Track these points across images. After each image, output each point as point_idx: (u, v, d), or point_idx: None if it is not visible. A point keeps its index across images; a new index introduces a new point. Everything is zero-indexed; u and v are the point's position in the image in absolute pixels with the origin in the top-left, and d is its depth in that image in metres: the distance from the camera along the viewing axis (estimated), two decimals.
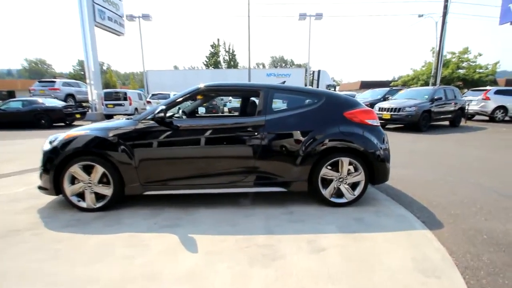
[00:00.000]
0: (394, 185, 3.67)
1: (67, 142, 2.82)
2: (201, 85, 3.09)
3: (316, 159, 2.89)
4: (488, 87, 14.00)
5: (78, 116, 12.58)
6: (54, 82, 16.84)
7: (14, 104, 11.79)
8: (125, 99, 15.58)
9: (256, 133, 2.87)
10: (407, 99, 10.28)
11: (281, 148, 2.90)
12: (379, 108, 10.02)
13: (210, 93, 3.98)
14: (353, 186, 2.99)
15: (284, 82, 3.62)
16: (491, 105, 12.28)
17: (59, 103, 12.46)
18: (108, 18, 15.64)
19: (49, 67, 73.40)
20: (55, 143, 2.86)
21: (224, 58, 44.73)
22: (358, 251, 2.14)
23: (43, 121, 11.37)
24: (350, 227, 2.53)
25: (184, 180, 2.91)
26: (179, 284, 1.77)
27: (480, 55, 25.15)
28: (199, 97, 3.89)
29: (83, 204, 2.87)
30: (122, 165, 2.79)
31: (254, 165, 2.90)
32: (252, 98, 3.83)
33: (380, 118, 9.07)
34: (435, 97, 9.81)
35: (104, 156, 2.78)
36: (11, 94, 25.37)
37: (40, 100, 12.17)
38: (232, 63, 44.28)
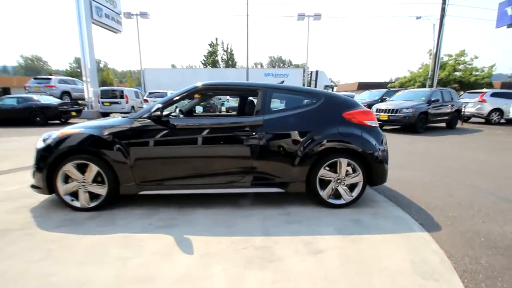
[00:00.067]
0: (392, 187, 3.65)
1: (61, 140, 2.76)
2: (199, 84, 3.05)
3: (314, 160, 2.86)
4: (484, 90, 14.10)
5: (74, 113, 12.45)
6: (49, 79, 16.69)
7: (8, 101, 11.61)
8: (121, 97, 15.46)
9: (254, 133, 2.84)
10: (404, 101, 10.31)
11: (279, 149, 2.87)
12: (377, 109, 10.04)
13: (207, 92, 3.94)
14: (351, 187, 2.96)
15: (282, 82, 3.59)
16: (487, 108, 12.37)
17: (54, 101, 12.32)
18: (105, 15, 15.50)
19: (45, 64, 72.73)
20: (48, 141, 2.80)
21: (222, 57, 44.66)
22: (356, 253, 2.11)
23: (38, 119, 11.24)
24: (348, 228, 2.50)
25: (180, 180, 2.86)
26: (174, 287, 1.73)
27: (476, 57, 25.39)
28: (196, 96, 3.84)
29: (76, 204, 2.82)
30: (117, 164, 2.74)
31: (252, 165, 2.87)
32: (250, 98, 3.79)
33: (378, 119, 9.05)
34: (432, 99, 9.86)
35: (98, 155, 2.73)
36: (6, 91, 25.08)
37: (35, 97, 12.01)
38: (230, 63, 44.21)
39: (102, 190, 2.79)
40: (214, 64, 41.80)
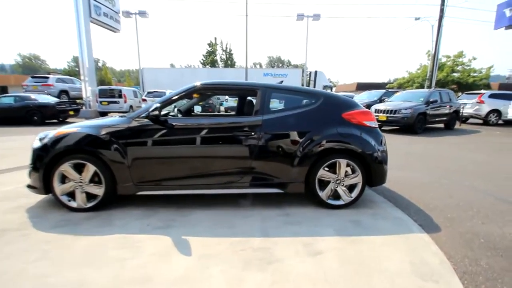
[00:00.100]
0: (391, 187, 3.65)
1: (57, 140, 2.73)
2: (197, 83, 3.02)
3: (313, 160, 2.85)
4: (482, 91, 14.15)
5: (71, 113, 12.36)
6: (47, 78, 16.58)
7: (6, 100, 11.53)
8: (120, 96, 15.39)
9: (253, 133, 2.82)
10: (403, 101, 10.33)
11: (278, 149, 2.86)
12: (375, 109, 10.04)
13: (206, 92, 3.91)
14: (350, 188, 2.95)
15: (281, 81, 3.57)
16: (485, 109, 12.41)
17: (52, 100, 12.25)
18: (104, 14, 15.44)
19: (43, 63, 72.32)
20: (45, 141, 2.77)
21: (221, 57, 44.62)
22: (355, 254, 2.10)
23: (35, 118, 11.16)
24: (347, 230, 2.49)
25: (178, 180, 2.84)
26: None
27: (474, 59, 25.51)
28: (195, 95, 3.82)
29: (73, 204, 2.79)
30: (114, 164, 2.71)
31: (251, 166, 2.85)
32: (249, 98, 3.77)
33: (376, 120, 9.08)
34: (431, 100, 9.88)
35: (95, 155, 2.70)
36: (3, 90, 24.96)
37: (32, 96, 11.95)
38: (229, 62, 44.17)
39: (99, 191, 2.76)
40: (213, 64, 41.75)
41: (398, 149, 6.59)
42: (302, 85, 24.70)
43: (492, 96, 12.73)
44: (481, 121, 12.83)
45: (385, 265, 1.97)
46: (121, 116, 2.97)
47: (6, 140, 7.33)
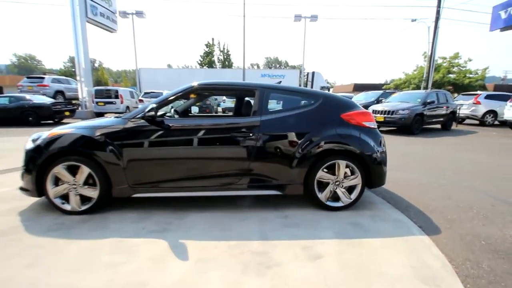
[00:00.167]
0: (389, 188, 3.62)
1: (51, 141, 2.66)
2: (195, 83, 2.97)
3: (312, 162, 2.81)
4: (478, 92, 14.25)
5: (67, 113, 12.23)
6: (43, 78, 16.40)
7: (0, 101, 11.37)
8: (116, 97, 15.28)
9: (250, 134, 2.78)
10: (400, 102, 10.35)
11: (276, 150, 2.81)
12: (373, 110, 10.04)
13: (203, 92, 3.86)
14: (350, 189, 2.92)
15: (280, 82, 3.54)
16: (481, 110, 12.49)
17: (47, 100, 12.10)
18: (101, 14, 15.31)
19: (39, 63, 71.69)
20: (38, 142, 2.71)
21: (218, 57, 44.49)
22: (355, 258, 2.06)
23: (30, 118, 11.01)
24: (346, 232, 2.45)
25: (175, 182, 2.79)
26: None
27: (470, 60, 25.69)
28: (192, 96, 3.77)
29: (67, 207, 2.72)
30: (109, 166, 2.65)
31: (248, 167, 2.80)
32: (247, 98, 3.73)
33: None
34: (428, 101, 9.91)
35: (90, 156, 2.64)
36: None
37: (28, 96, 11.79)
38: (226, 63, 44.07)
39: (93, 193, 2.70)
40: (211, 64, 41.61)
41: (395, 149, 6.58)
42: (300, 86, 24.71)
43: (488, 97, 12.82)
44: (477, 122, 12.91)
45: (385, 268, 1.93)
46: (117, 117, 2.91)
47: (1, 141, 7.21)
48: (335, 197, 2.91)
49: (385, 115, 9.57)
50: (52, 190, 2.69)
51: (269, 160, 2.83)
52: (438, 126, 11.12)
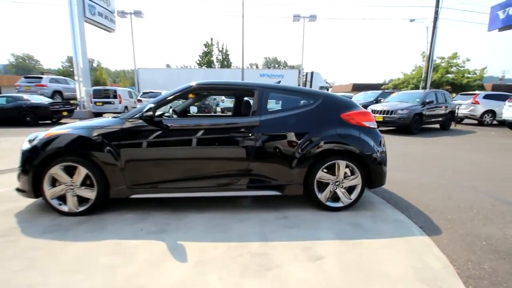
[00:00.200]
0: (389, 188, 3.60)
1: (48, 141, 2.63)
2: (193, 83, 2.95)
3: (312, 162, 2.79)
4: (477, 92, 14.28)
5: (65, 113, 12.16)
6: (40, 78, 16.32)
7: None
8: (114, 97, 15.20)
9: (250, 134, 2.75)
10: (399, 102, 10.35)
11: (276, 150, 2.79)
12: (372, 110, 10.04)
13: (202, 92, 3.83)
14: (350, 189, 2.90)
15: (279, 82, 3.51)
16: (480, 109, 12.51)
17: (45, 100, 12.04)
18: (99, 13, 15.25)
19: (37, 63, 71.38)
20: (34, 142, 2.67)
21: (217, 57, 44.45)
22: (356, 259, 2.04)
23: (28, 118, 10.95)
24: (347, 233, 2.43)
25: (173, 183, 2.76)
26: None
27: (468, 60, 25.79)
28: (190, 95, 3.74)
29: (64, 208, 2.69)
30: (106, 167, 2.62)
31: (248, 168, 2.78)
32: (246, 98, 3.70)
33: None
34: (427, 101, 9.91)
35: (87, 157, 2.61)
36: None
37: (25, 96, 11.72)
38: (225, 63, 44.03)
39: (91, 194, 2.67)
40: (209, 64, 41.56)
41: (394, 149, 6.57)
42: (299, 86, 24.70)
43: (486, 97, 12.84)
44: (476, 122, 12.93)
45: (386, 269, 1.91)
46: (114, 117, 2.88)
47: None
48: (335, 197, 2.88)
49: (384, 115, 9.57)
50: (49, 191, 2.65)
51: (269, 160, 2.80)
52: (437, 126, 11.13)
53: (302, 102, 3.10)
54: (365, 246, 2.23)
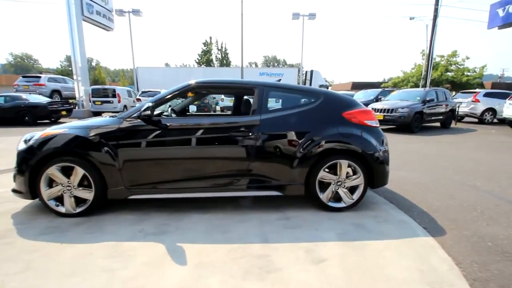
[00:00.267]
0: (391, 188, 3.56)
1: (44, 141, 2.58)
2: (192, 82, 2.89)
3: (313, 161, 2.74)
4: (477, 90, 14.23)
5: (64, 113, 12.08)
6: (39, 77, 16.23)
7: None
8: (113, 96, 15.11)
9: (250, 134, 2.70)
10: (399, 100, 10.30)
11: (276, 150, 2.74)
12: (372, 108, 9.99)
13: (201, 90, 3.76)
14: (352, 189, 2.85)
15: (279, 80, 3.46)
16: (480, 108, 12.46)
17: (44, 99, 11.96)
18: (97, 12, 15.17)
19: (35, 62, 71.15)
20: (30, 142, 2.62)
21: (216, 56, 44.33)
22: (359, 261, 2.00)
23: (26, 118, 10.88)
24: (349, 234, 2.39)
25: (172, 183, 2.71)
26: None
27: (467, 58, 25.74)
28: (189, 94, 3.69)
29: (61, 209, 2.64)
30: (104, 167, 2.57)
31: (248, 167, 2.73)
32: (246, 96, 3.65)
33: None
34: (427, 99, 9.86)
35: (84, 157, 2.56)
36: None
37: (23, 96, 11.65)
38: (224, 62, 43.90)
39: (89, 195, 2.62)
40: (209, 63, 41.45)
41: (395, 148, 6.52)
42: (299, 84, 24.61)
43: (487, 95, 12.79)
44: (476, 120, 12.89)
45: (391, 272, 1.87)
46: (112, 116, 2.82)
47: None
48: (337, 197, 2.84)
49: (385, 113, 9.52)
50: (45, 192, 2.60)
51: (269, 160, 2.75)
52: (438, 124, 11.09)
53: (303, 100, 3.05)
54: (368, 247, 2.18)
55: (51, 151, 2.56)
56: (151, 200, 2.94)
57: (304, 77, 25.54)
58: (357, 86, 34.67)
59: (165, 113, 3.21)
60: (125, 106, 15.34)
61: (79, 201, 2.66)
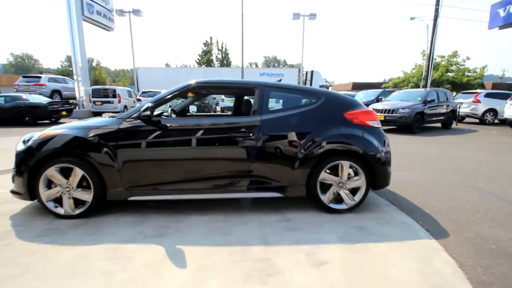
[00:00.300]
0: (393, 189, 3.53)
1: (43, 142, 2.56)
2: (192, 82, 2.87)
3: (314, 162, 2.71)
4: (478, 90, 14.19)
5: (64, 113, 12.07)
6: (39, 77, 16.23)
7: None
8: (114, 96, 15.09)
9: (250, 134, 2.68)
10: (400, 101, 10.27)
11: (277, 151, 2.72)
12: (373, 109, 9.95)
13: (201, 90, 3.74)
14: (353, 191, 2.82)
15: (280, 80, 3.44)
16: (481, 108, 12.43)
17: (44, 100, 11.95)
18: (97, 12, 15.16)
19: (36, 62, 71.19)
20: (29, 143, 2.60)
21: (217, 56, 44.33)
22: (361, 264, 1.97)
23: (27, 118, 10.87)
24: (351, 236, 2.36)
25: (172, 185, 2.68)
26: None
27: (468, 58, 25.71)
28: (190, 94, 3.67)
29: (60, 211, 2.62)
30: (103, 168, 2.54)
31: (248, 168, 2.70)
32: (247, 97, 3.63)
33: None
34: (428, 99, 9.82)
35: (83, 158, 2.53)
36: None
37: (24, 96, 11.65)
38: (225, 62, 43.90)
39: (88, 196, 2.60)
40: (209, 63, 41.45)
41: (396, 149, 6.48)
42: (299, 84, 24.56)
43: (488, 95, 12.76)
44: (477, 120, 12.85)
45: (394, 275, 1.84)
46: (111, 117, 2.80)
47: None
48: (338, 199, 2.81)
49: (386, 114, 9.49)
50: (44, 193, 2.58)
51: (270, 161, 2.73)
52: (439, 125, 11.05)
53: (304, 101, 3.03)
54: (370, 250, 2.16)
55: (50, 152, 2.54)
56: (150, 202, 2.91)
57: (304, 78, 25.53)
58: (358, 87, 34.62)
59: (165, 114, 3.18)
60: (125, 107, 15.33)
61: (78, 202, 2.64)
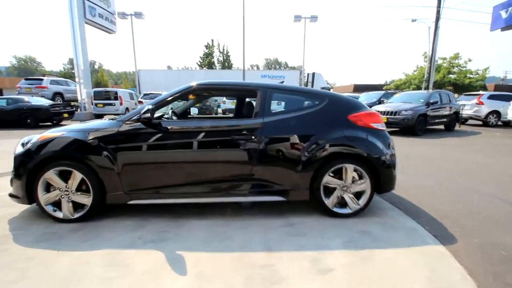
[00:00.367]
0: (397, 192, 3.46)
1: (41, 145, 2.52)
2: (193, 83, 2.83)
3: (318, 166, 2.66)
4: (481, 92, 14.10)
5: (66, 115, 12.11)
6: (41, 80, 16.29)
7: None
8: (115, 98, 15.13)
9: (252, 137, 2.63)
10: (402, 103, 10.20)
11: (280, 153, 2.66)
12: (375, 111, 9.89)
13: (202, 92, 3.71)
14: (358, 195, 2.76)
15: (282, 82, 3.40)
16: (484, 110, 12.33)
17: (46, 102, 11.99)
18: (99, 15, 15.18)
19: (39, 65, 71.60)
20: (28, 146, 2.56)
21: (218, 59, 44.41)
22: (368, 271, 1.91)
23: (29, 120, 10.90)
24: (356, 242, 2.30)
25: (172, 188, 2.63)
26: None
27: (470, 60, 25.58)
28: (191, 96, 3.63)
29: (59, 214, 2.57)
30: (103, 171, 2.50)
31: (250, 172, 2.65)
32: (248, 99, 3.59)
33: None
34: (431, 101, 9.75)
35: (83, 161, 2.49)
36: None
37: (26, 98, 11.69)
38: (226, 64, 43.97)
39: (87, 200, 2.55)
40: (210, 65, 41.51)
41: (399, 151, 6.34)
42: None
43: (491, 97, 12.67)
44: (480, 122, 12.75)
45: (401, 283, 1.78)
46: (111, 119, 2.76)
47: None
48: (342, 203, 2.75)
49: (388, 116, 9.41)
50: (43, 197, 2.54)
51: (272, 164, 2.68)
52: (442, 127, 10.96)
53: (307, 103, 2.98)
54: (376, 256, 2.09)
55: (48, 155, 2.50)
56: (150, 205, 2.86)
57: (306, 80, 25.51)
58: (359, 89, 34.56)
59: (165, 116, 3.14)
60: (127, 109, 15.35)
61: (77, 206, 2.59)
